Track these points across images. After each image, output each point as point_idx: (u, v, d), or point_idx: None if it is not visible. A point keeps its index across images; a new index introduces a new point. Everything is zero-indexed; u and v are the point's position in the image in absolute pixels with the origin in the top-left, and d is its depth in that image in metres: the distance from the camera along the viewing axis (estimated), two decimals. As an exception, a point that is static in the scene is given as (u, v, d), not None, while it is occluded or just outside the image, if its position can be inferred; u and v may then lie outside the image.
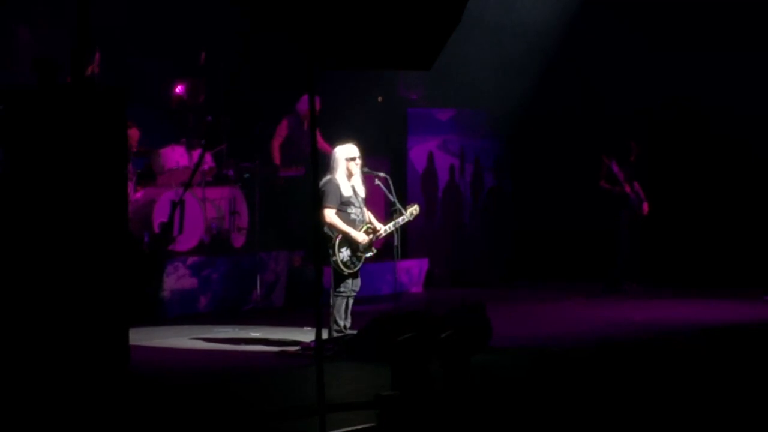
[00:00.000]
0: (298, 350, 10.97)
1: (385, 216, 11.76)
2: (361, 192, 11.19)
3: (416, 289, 16.35)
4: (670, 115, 17.54)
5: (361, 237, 11.01)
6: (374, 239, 11.14)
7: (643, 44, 17.14)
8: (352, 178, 11.12)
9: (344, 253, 10.94)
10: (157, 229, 13.79)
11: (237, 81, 14.01)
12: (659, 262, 16.89)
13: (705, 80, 16.91)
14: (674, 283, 16.51)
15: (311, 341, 10.94)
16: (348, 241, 10.96)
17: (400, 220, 11.20)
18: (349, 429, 7.60)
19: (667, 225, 17.21)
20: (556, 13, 17.34)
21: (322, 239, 10.81)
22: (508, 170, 18.41)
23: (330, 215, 10.92)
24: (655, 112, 17.52)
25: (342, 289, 11.00)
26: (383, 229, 11.18)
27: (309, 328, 11.92)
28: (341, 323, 10.97)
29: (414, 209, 11.31)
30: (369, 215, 11.25)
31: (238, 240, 14.87)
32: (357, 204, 11.09)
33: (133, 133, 14.31)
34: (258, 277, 14.36)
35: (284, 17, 7.16)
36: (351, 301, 11.11)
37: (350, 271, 10.99)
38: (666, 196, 17.00)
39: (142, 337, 11.40)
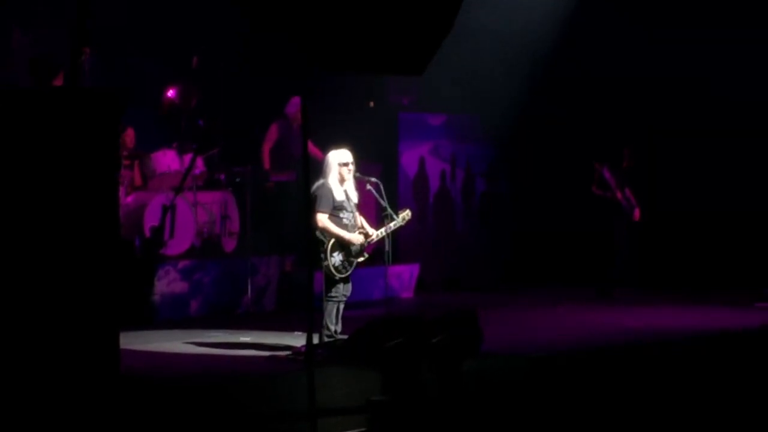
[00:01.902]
0: (288, 355, 10.96)
1: (377, 221, 11.76)
2: (354, 197, 11.18)
3: (407, 294, 16.35)
4: (664, 120, 17.55)
5: (356, 238, 11.00)
6: (366, 244, 11.13)
7: (640, 44, 17.14)
8: (345, 183, 11.11)
9: (336, 258, 10.93)
10: (148, 234, 13.77)
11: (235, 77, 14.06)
12: (652, 268, 16.90)
13: (704, 80, 16.96)
14: (666, 288, 16.52)
15: (302, 346, 10.93)
16: (340, 245, 10.95)
17: (392, 225, 11.20)
18: (340, 434, 7.61)
19: (658, 230, 17.22)
20: (549, 16, 17.35)
21: (314, 244, 10.81)
22: (501, 174, 18.42)
23: (322, 220, 10.92)
24: (649, 118, 17.52)
25: (333, 294, 10.99)
26: (375, 234, 11.18)
27: (300, 333, 11.91)
28: (332, 328, 10.96)
29: (406, 214, 11.30)
30: (361, 220, 11.25)
31: (230, 244, 14.86)
32: (349, 209, 11.09)
33: (128, 133, 14.33)
34: (249, 282, 14.34)
35: (280, 20, 7.17)
36: (342, 306, 11.10)
37: (342, 275, 10.99)
38: (658, 202, 17.01)
39: (133, 341, 11.37)
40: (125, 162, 14.35)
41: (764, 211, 17.14)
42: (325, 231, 10.92)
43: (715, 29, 16.71)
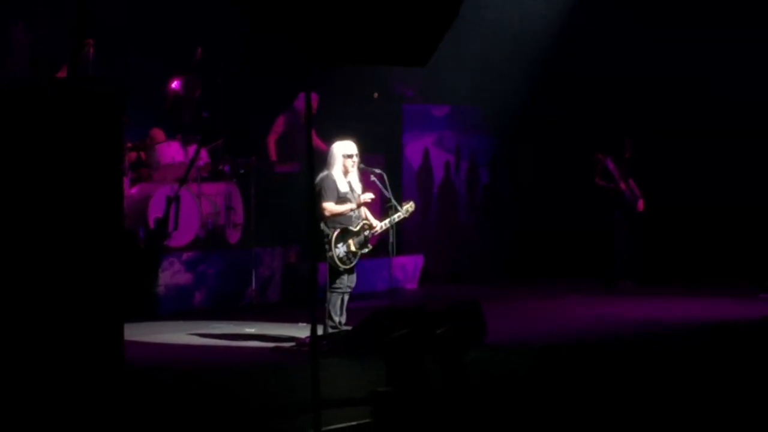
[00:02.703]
0: (293, 346, 10.97)
1: (381, 212, 11.76)
2: (358, 188, 11.19)
3: (411, 285, 16.36)
4: (664, 120, 17.53)
5: (362, 199, 11.01)
6: (370, 235, 11.14)
7: (641, 38, 17.12)
8: (349, 175, 11.13)
9: (340, 249, 10.94)
10: (152, 225, 13.78)
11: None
12: (655, 260, 16.89)
13: (704, 75, 16.95)
14: (670, 280, 16.52)
15: (306, 337, 10.94)
16: (344, 236, 10.96)
17: (396, 216, 11.20)
18: (344, 425, 7.61)
19: (663, 222, 17.22)
20: (552, 7, 17.33)
21: (318, 235, 10.82)
22: (503, 167, 18.42)
23: (329, 207, 10.93)
24: (649, 117, 17.50)
25: (337, 285, 11.00)
26: (379, 225, 11.18)
27: (304, 324, 11.92)
28: (336, 319, 10.98)
29: (409, 206, 11.31)
30: (365, 211, 11.26)
31: (234, 236, 14.87)
32: (353, 200, 11.10)
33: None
34: (253, 273, 14.36)
35: (282, 13, 7.16)
36: (346, 297, 11.11)
37: (346, 266, 11.00)
38: (660, 198, 17.00)
39: (137, 332, 11.40)
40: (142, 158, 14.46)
41: (765, 207, 17.15)
42: (334, 215, 10.92)
43: (715, 29, 16.70)
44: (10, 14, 14.44)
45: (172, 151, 14.54)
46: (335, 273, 11.00)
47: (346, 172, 11.11)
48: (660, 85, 17.35)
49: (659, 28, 17.12)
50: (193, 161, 13.84)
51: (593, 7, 17.08)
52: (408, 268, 16.39)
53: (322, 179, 11.02)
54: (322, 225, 10.94)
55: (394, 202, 11.22)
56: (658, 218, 16.90)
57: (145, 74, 15.15)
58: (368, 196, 11.14)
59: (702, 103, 17.08)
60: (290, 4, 7.09)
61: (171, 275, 13.78)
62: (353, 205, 11.03)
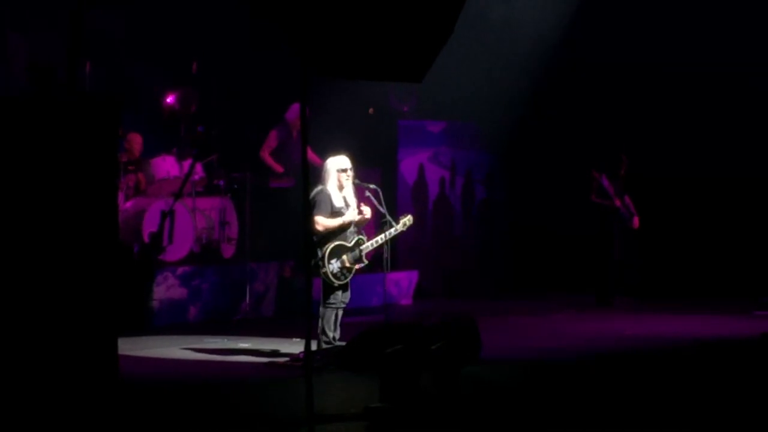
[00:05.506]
0: (287, 361, 10.95)
1: (376, 228, 11.76)
2: (353, 203, 11.19)
3: (406, 301, 16.34)
4: (661, 125, 17.56)
5: (350, 216, 10.98)
6: (364, 250, 11.11)
7: (638, 52, 17.14)
8: (344, 190, 11.12)
9: (334, 265, 10.93)
10: (146, 239, 13.77)
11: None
12: (651, 276, 16.89)
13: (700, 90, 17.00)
14: (665, 296, 16.51)
15: (300, 352, 10.92)
16: (338, 252, 10.95)
17: (393, 230, 11.18)
18: (338, 441, 7.61)
19: (658, 238, 17.22)
20: (549, 24, 17.36)
21: (312, 250, 10.80)
22: (499, 182, 18.43)
23: (320, 221, 10.91)
24: (651, 113, 17.52)
25: (332, 301, 10.99)
26: (374, 240, 11.16)
27: (298, 339, 11.90)
28: (330, 335, 10.96)
29: (407, 219, 11.29)
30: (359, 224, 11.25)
31: (228, 250, 14.86)
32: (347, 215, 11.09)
33: (135, 138, 14.36)
34: (248, 288, 14.34)
35: (280, 24, 7.18)
36: (341, 313, 11.10)
37: (340, 282, 10.98)
38: (657, 209, 17.01)
39: (132, 346, 11.38)
40: (130, 167, 14.39)
41: (763, 218, 17.17)
42: (325, 228, 10.90)
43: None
44: (6, 22, 14.44)
45: (167, 166, 14.53)
46: (329, 288, 10.98)
47: (340, 187, 11.11)
48: (659, 91, 17.35)
49: (654, 42, 17.14)
50: (188, 176, 13.85)
51: (592, 16, 17.08)
52: (402, 283, 16.38)
53: (317, 194, 11.01)
54: (316, 240, 10.93)
55: (389, 217, 11.20)
56: (654, 232, 16.90)
57: (144, 83, 15.15)
58: (366, 213, 11.12)
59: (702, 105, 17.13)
60: (290, 16, 7.10)
61: (165, 289, 13.76)
62: (343, 220, 10.98)
